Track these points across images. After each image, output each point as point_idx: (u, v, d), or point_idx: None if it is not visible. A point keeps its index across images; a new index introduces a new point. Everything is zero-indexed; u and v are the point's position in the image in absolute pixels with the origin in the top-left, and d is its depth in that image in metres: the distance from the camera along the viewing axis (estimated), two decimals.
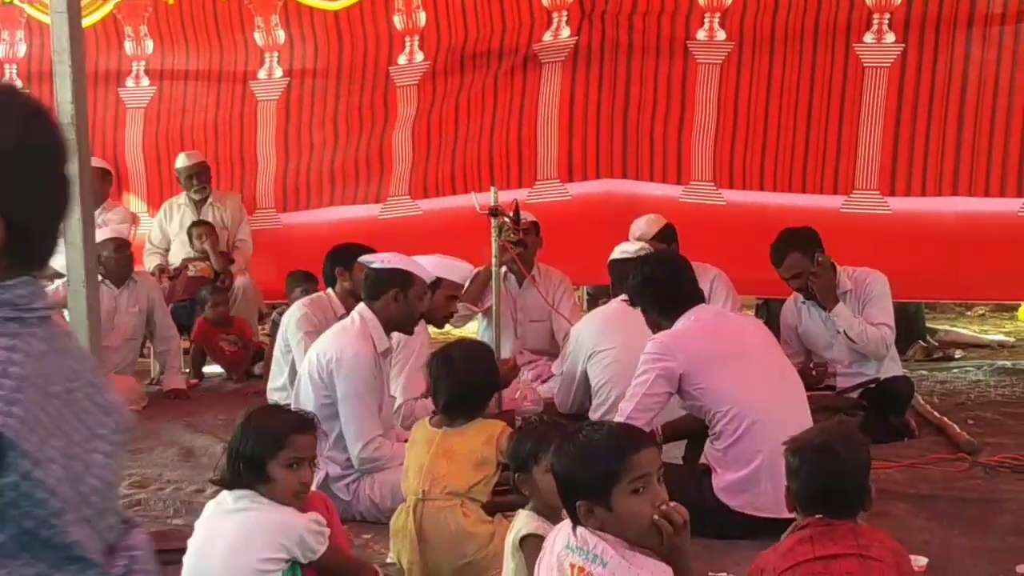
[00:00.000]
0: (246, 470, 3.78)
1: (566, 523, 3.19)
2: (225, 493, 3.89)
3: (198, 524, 3.90)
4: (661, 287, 5.46)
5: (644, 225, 7.77)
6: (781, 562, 3.15)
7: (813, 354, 7.34)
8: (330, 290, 7.33)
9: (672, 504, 2.98)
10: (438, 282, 6.14)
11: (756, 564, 3.28)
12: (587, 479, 3.02)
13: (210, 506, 3.94)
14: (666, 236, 7.67)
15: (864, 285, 7.17)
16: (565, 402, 6.64)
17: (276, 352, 7.35)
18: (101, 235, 6.77)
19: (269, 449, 3.79)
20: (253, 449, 3.79)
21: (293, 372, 6.93)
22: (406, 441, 5.34)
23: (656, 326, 5.44)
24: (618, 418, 5.26)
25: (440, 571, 4.75)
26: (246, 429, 3.89)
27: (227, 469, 3.86)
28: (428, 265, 6.01)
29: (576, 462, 3.09)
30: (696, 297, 5.45)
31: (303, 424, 3.93)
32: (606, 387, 6.20)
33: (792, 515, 3.41)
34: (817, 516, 3.24)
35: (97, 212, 8.97)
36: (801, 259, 7.09)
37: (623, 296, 6.35)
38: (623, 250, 6.60)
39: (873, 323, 7.07)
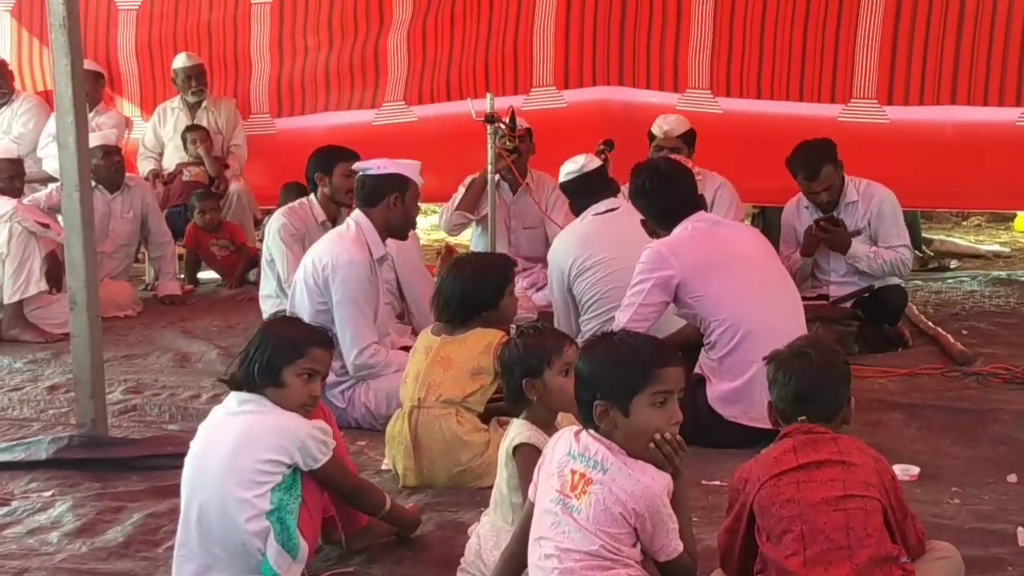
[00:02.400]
0: (261, 373, 3.80)
1: (566, 431, 3.21)
2: (231, 396, 3.89)
3: (202, 427, 3.90)
4: (655, 197, 5.44)
5: (673, 122, 7.69)
6: (765, 472, 3.16)
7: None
8: (311, 196, 7.25)
9: (677, 433, 3.02)
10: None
11: (739, 475, 3.26)
12: (614, 380, 3.06)
13: (216, 409, 3.93)
14: (688, 139, 7.63)
15: (872, 203, 7.13)
16: (568, 328, 6.52)
17: (263, 262, 7.32)
18: (91, 141, 6.70)
19: (287, 356, 3.82)
20: (272, 354, 3.82)
21: (280, 282, 6.92)
22: (403, 348, 5.35)
23: (654, 234, 5.42)
24: (615, 327, 5.25)
25: (435, 478, 4.77)
26: (267, 334, 3.92)
27: (240, 370, 3.87)
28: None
29: (607, 361, 3.12)
30: (692, 206, 5.41)
31: (323, 339, 3.98)
32: (597, 304, 6.15)
33: None
34: (799, 420, 3.24)
35: (90, 116, 8.90)
36: (833, 171, 7.08)
37: (592, 211, 6.30)
38: (568, 171, 6.52)
39: (891, 246, 7.08)
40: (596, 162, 6.49)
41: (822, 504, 3.07)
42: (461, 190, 8.19)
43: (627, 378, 3.04)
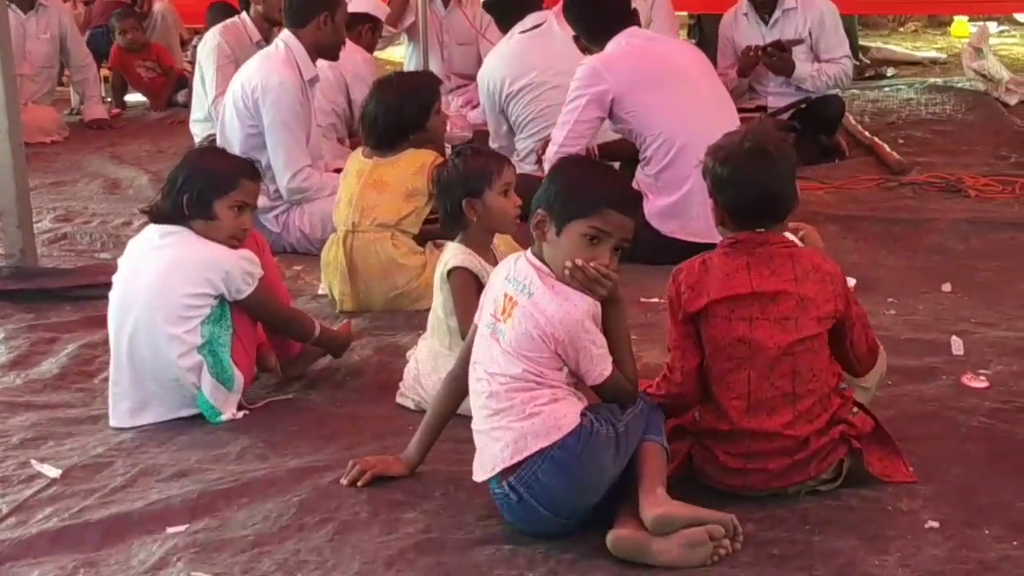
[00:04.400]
0: (191, 206, 3.73)
1: (511, 257, 3.16)
2: (152, 228, 3.82)
3: (122, 260, 3.84)
4: (585, 8, 5.32)
5: None
6: (715, 288, 3.09)
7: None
8: (244, 14, 7.06)
9: (603, 270, 2.94)
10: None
11: (685, 278, 3.09)
12: (563, 196, 2.99)
13: (134, 242, 3.87)
14: None
15: (812, 12, 7.08)
16: (503, 144, 6.42)
17: (196, 83, 7.15)
18: None
19: (219, 188, 3.76)
20: (203, 186, 3.75)
21: None
22: (337, 171, 5.27)
23: (587, 51, 5.32)
24: (551, 147, 5.20)
25: (372, 302, 4.74)
26: (194, 166, 3.84)
27: (164, 202, 3.79)
28: None
29: (568, 179, 3.05)
30: (624, 19, 5.30)
31: (252, 171, 3.94)
32: (531, 124, 6.08)
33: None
34: (756, 230, 3.08)
35: None
36: None
37: (519, 28, 6.18)
38: None
39: (832, 57, 7.05)
40: None
41: (773, 350, 3.02)
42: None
43: (575, 200, 2.97)
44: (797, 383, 3.04)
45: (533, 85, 6.02)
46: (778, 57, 6.99)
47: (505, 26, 6.31)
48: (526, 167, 5.72)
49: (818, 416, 3.06)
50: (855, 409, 3.16)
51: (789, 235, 3.20)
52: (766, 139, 3.16)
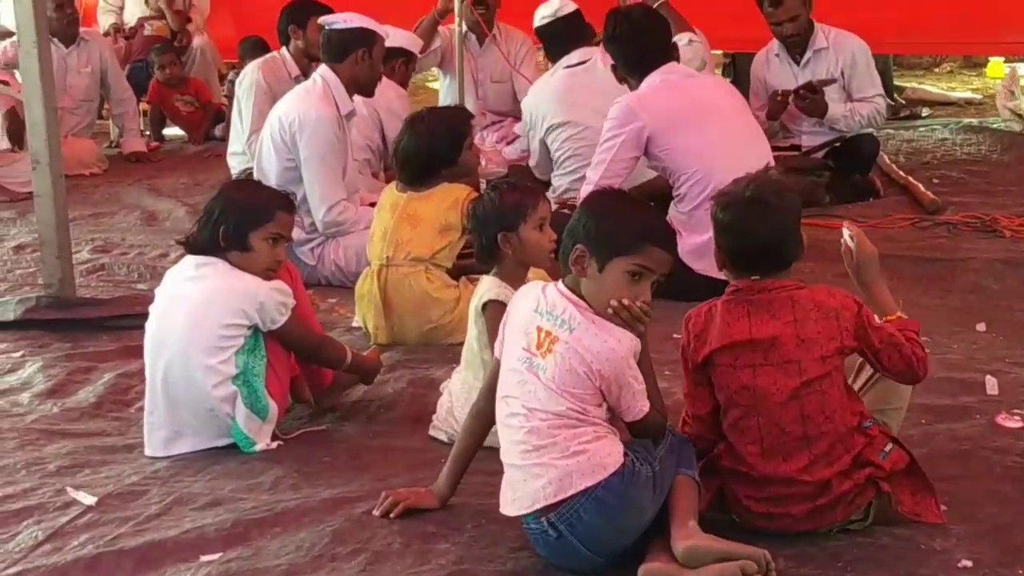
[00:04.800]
0: (227, 237, 3.77)
1: (532, 286, 3.18)
2: (187, 259, 3.86)
3: (158, 290, 3.89)
4: (625, 43, 5.34)
5: None
6: (716, 337, 3.09)
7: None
8: (284, 50, 7.14)
9: (641, 304, 2.96)
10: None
11: (692, 327, 3.13)
12: (605, 233, 2.98)
13: (171, 273, 3.92)
14: None
15: (844, 52, 7.07)
16: (543, 170, 6.50)
17: (234, 117, 7.22)
18: None
19: (255, 221, 3.81)
20: (239, 219, 3.79)
21: None
22: (372, 205, 5.31)
23: (623, 81, 5.34)
24: (586, 186, 5.21)
25: (406, 335, 4.76)
26: (230, 198, 3.89)
27: (200, 233, 3.83)
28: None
29: (607, 214, 3.04)
30: (664, 56, 5.31)
31: (287, 203, 3.98)
32: (568, 161, 6.13)
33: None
34: (752, 278, 3.09)
35: None
36: (800, 2, 7.02)
37: (565, 62, 6.23)
38: (542, 15, 6.41)
39: (865, 96, 7.04)
40: (571, 7, 6.40)
41: (778, 395, 3.02)
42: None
43: (617, 237, 2.97)
44: (808, 426, 3.03)
45: (572, 123, 6.08)
46: (810, 100, 6.98)
47: (553, 56, 6.38)
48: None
49: (839, 458, 3.04)
50: (888, 447, 3.12)
51: (844, 231, 3.28)
52: (769, 189, 3.15)
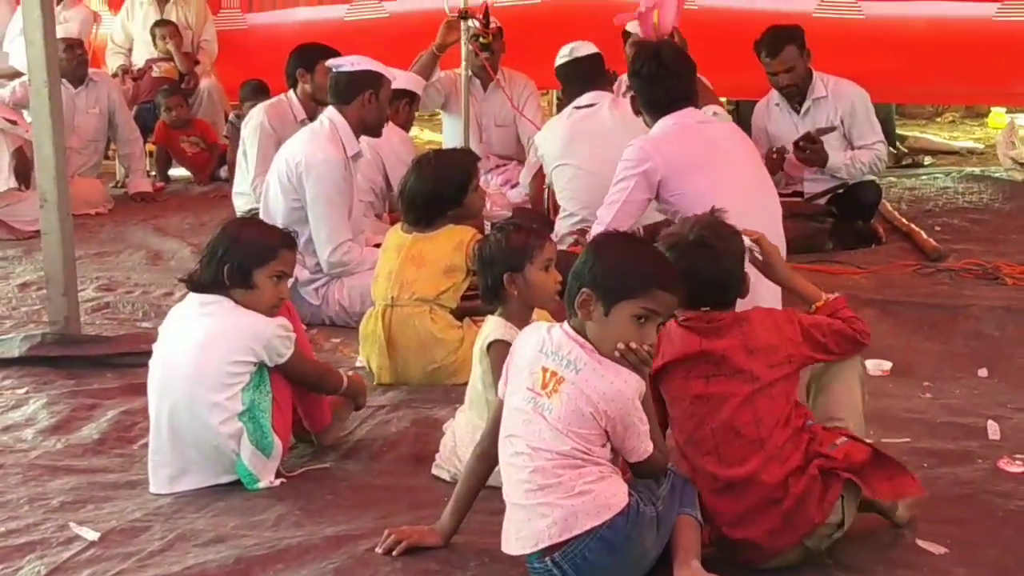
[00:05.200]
0: (231, 275, 3.80)
1: (535, 326, 3.20)
2: (192, 297, 3.89)
3: (162, 328, 3.91)
4: (649, 83, 5.33)
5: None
6: (672, 351, 3.17)
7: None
8: (291, 92, 7.18)
9: (647, 347, 3.00)
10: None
11: None
12: (611, 277, 3.01)
13: (175, 310, 3.94)
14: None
15: (843, 101, 7.10)
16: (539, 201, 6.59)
17: (239, 158, 7.25)
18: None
19: (259, 259, 3.84)
20: (243, 257, 3.83)
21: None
22: (376, 246, 5.34)
23: (639, 113, 5.33)
24: (597, 226, 5.22)
25: (409, 375, 4.78)
26: (234, 237, 3.91)
27: (205, 271, 3.85)
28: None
29: (614, 257, 3.07)
30: (684, 99, 5.28)
31: (290, 241, 4.02)
32: (570, 203, 6.18)
33: None
34: (701, 310, 3.22)
35: (57, 10, 8.74)
36: (796, 53, 7.07)
37: (576, 103, 6.28)
38: (560, 55, 6.48)
39: (865, 144, 7.08)
40: (590, 49, 6.44)
41: (732, 400, 3.10)
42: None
43: (624, 281, 2.99)
44: (762, 429, 3.12)
45: (573, 166, 6.13)
46: (810, 150, 7.01)
47: (567, 96, 6.45)
48: (562, 247, 5.80)
49: (789, 456, 3.11)
50: (840, 440, 3.17)
51: (746, 239, 3.38)
52: (711, 232, 3.29)
